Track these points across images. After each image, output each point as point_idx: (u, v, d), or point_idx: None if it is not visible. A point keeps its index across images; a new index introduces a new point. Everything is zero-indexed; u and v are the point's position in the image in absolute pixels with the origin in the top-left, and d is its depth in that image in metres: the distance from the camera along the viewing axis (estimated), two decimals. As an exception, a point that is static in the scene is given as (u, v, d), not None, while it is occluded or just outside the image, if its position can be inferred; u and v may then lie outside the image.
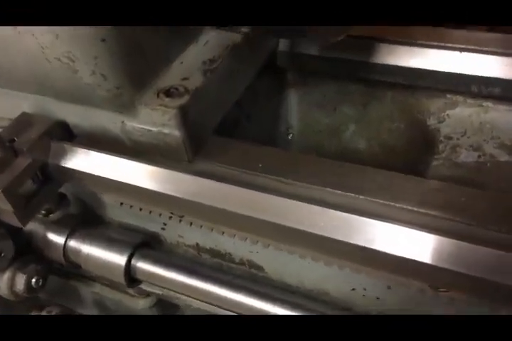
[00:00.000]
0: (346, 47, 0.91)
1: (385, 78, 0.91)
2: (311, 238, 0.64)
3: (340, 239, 0.62)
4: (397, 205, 0.63)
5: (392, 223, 0.60)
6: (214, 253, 0.83)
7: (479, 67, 0.83)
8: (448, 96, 0.91)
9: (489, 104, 0.88)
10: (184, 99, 0.69)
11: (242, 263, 0.82)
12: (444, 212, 0.62)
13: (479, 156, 0.86)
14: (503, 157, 0.84)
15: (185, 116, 0.68)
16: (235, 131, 1.03)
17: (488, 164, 0.85)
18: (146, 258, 0.80)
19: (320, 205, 0.64)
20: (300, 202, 0.64)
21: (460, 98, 0.90)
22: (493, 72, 0.83)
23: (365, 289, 0.76)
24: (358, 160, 1.09)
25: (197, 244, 0.83)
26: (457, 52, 0.85)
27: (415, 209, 0.63)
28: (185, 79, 0.72)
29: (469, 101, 0.89)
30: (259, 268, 0.82)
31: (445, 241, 0.58)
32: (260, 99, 1.06)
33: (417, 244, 0.59)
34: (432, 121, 0.92)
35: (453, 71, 0.84)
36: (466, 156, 0.86)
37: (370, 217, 0.60)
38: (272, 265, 0.81)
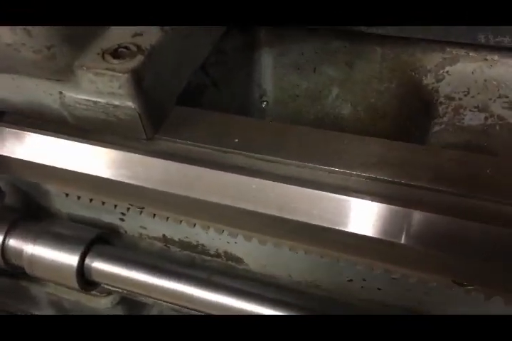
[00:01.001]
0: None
1: (375, 30, 0.78)
2: (304, 229, 0.52)
3: (343, 229, 0.50)
4: (411, 183, 0.51)
5: (406, 208, 0.48)
6: (184, 245, 0.70)
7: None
8: (447, 49, 0.78)
9: (495, 56, 0.76)
10: (137, 61, 0.54)
11: (217, 255, 0.70)
12: (466, 188, 0.50)
13: (486, 118, 0.75)
14: (509, 116, 0.73)
15: (139, 82, 0.54)
16: (201, 100, 0.89)
17: (498, 127, 0.74)
18: (102, 256, 0.66)
19: (313, 188, 0.51)
20: (288, 185, 0.52)
21: (461, 51, 0.78)
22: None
23: (364, 280, 0.64)
24: (342, 129, 0.97)
25: (164, 236, 0.70)
26: (460, -4, 0.71)
27: (429, 186, 0.51)
28: (137, 35, 0.57)
29: (472, 54, 0.77)
30: (238, 259, 0.70)
31: (474, 226, 0.46)
32: (229, 62, 0.91)
33: (437, 232, 0.47)
34: (429, 80, 0.80)
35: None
36: (471, 119, 0.75)
37: (381, 202, 0.48)
38: (253, 256, 0.68)
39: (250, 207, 0.51)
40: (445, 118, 0.75)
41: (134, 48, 0.55)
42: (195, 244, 0.70)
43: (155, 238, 0.72)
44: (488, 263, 0.45)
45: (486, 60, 0.76)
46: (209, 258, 0.71)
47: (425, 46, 0.79)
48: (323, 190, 0.50)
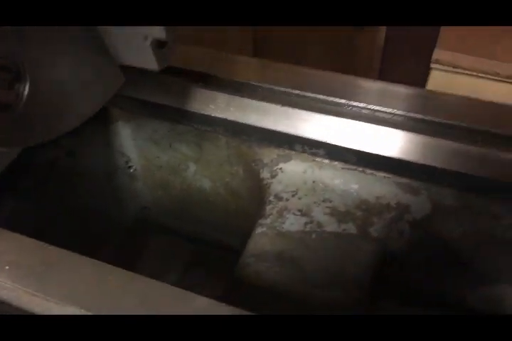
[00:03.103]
0: (161, 89, 0.76)
1: (205, 127, 0.77)
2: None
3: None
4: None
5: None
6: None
7: (301, 126, 0.70)
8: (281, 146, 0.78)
9: (324, 158, 0.76)
10: None
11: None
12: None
13: (306, 224, 0.74)
14: (331, 226, 0.73)
15: None
16: (52, 171, 0.89)
17: (314, 235, 0.73)
18: None
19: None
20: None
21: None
22: (316, 134, 0.70)
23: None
24: (208, 201, 0.97)
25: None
26: (278, 106, 0.71)
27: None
28: None
29: (304, 153, 0.77)
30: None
31: None
32: (85, 133, 0.90)
33: None
34: (265, 174, 0.79)
35: (271, 128, 0.71)
36: (292, 223, 0.74)
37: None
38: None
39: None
40: (268, 220, 0.75)
41: None
42: None
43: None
44: None
45: (316, 160, 0.76)
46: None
47: (261, 139, 0.78)
48: None
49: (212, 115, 0.73)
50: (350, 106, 0.70)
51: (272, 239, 0.73)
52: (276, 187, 0.78)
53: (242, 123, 0.72)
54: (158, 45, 0.60)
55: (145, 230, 1.11)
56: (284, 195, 0.77)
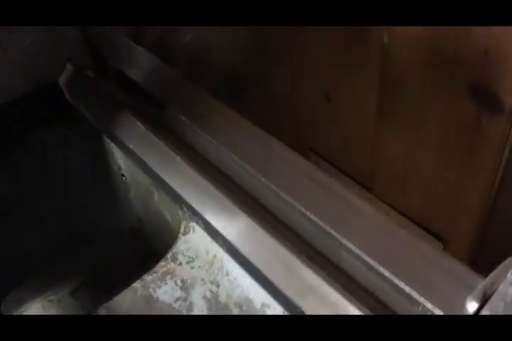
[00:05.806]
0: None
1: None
2: None
3: None
4: None
5: None
6: None
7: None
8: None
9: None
10: None
11: None
12: None
13: (177, 300, 0.62)
14: (200, 313, 0.60)
15: None
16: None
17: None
18: None
19: None
20: None
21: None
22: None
23: None
24: (170, 229, 0.91)
25: None
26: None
27: None
28: None
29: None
30: None
31: None
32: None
33: None
34: (182, 227, 0.70)
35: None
36: (165, 292, 0.63)
37: None
38: None
39: None
40: (149, 278, 0.65)
41: None
42: None
43: None
44: None
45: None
46: None
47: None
48: None
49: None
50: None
51: (134, 299, 0.64)
52: (180, 246, 0.68)
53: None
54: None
55: (137, 239, 1.09)
56: (180, 258, 0.67)
